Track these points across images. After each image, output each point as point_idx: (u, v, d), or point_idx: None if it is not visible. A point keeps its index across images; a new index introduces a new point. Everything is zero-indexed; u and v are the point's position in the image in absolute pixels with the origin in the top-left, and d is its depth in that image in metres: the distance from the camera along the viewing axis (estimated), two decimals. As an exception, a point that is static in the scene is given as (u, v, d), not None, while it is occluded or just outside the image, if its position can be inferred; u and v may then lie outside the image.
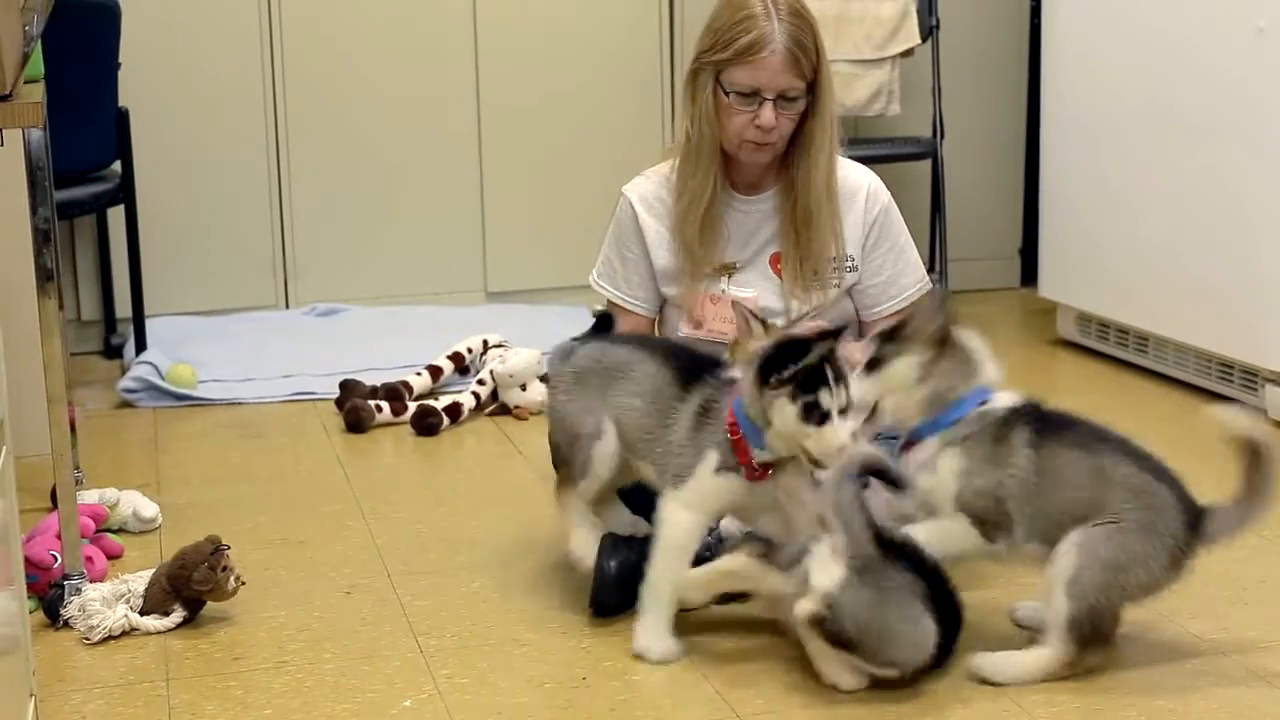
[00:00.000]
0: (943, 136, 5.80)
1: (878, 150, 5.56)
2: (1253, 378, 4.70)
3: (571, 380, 3.31)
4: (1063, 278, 5.58)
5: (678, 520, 3.09)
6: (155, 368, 5.04)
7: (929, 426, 3.08)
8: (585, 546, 3.30)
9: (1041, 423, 3.06)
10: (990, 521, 3.02)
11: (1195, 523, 2.97)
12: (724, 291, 3.61)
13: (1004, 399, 3.09)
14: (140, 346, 5.27)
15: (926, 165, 5.88)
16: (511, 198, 6.09)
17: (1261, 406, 4.62)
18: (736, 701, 2.95)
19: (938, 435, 3.06)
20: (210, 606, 3.34)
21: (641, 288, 3.68)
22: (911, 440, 3.11)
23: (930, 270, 5.72)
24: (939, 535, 3.03)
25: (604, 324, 3.50)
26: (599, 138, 6.08)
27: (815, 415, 2.92)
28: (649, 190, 3.66)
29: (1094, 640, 2.97)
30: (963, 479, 3.03)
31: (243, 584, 3.34)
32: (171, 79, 5.69)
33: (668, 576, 3.10)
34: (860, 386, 3.04)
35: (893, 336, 3.12)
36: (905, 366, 3.08)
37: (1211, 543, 2.99)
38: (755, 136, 3.48)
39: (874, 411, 3.10)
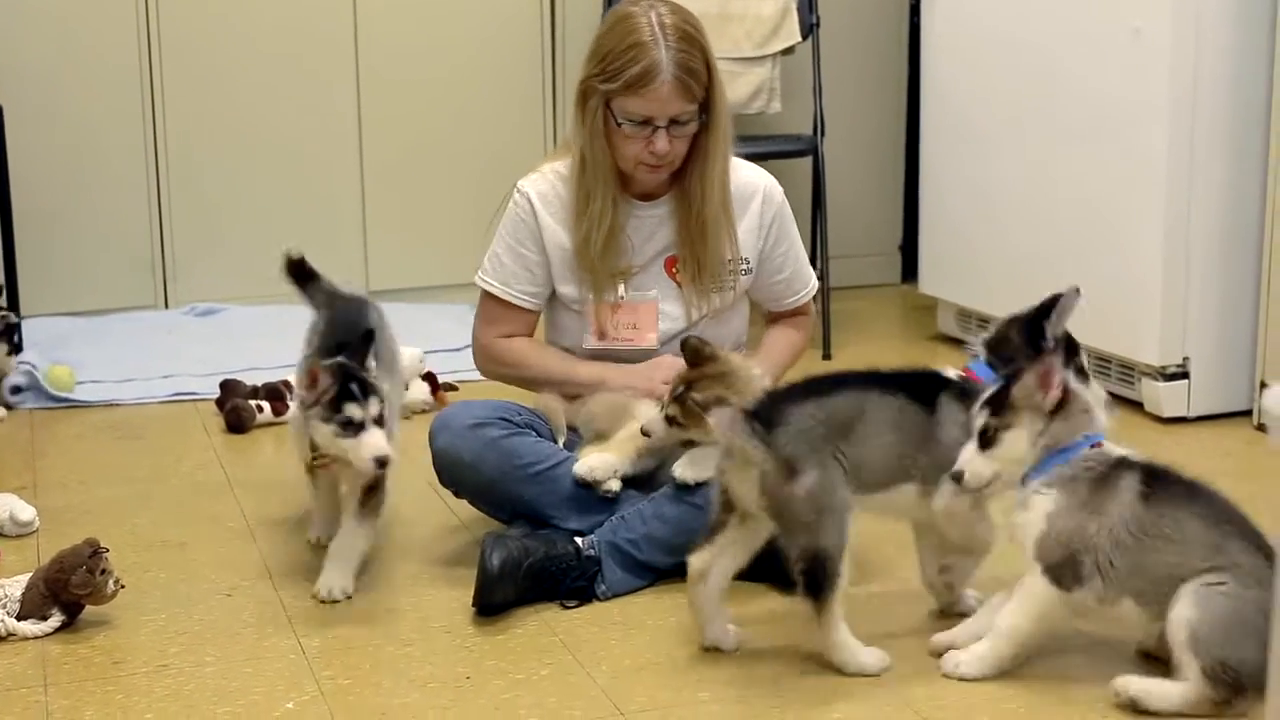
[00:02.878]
0: (823, 134, 5.82)
1: (759, 148, 5.55)
2: (1129, 371, 4.76)
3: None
4: (943, 273, 5.63)
5: None
6: (33, 369, 4.97)
7: (1037, 470, 2.98)
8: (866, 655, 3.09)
9: (1152, 475, 2.95)
10: (1065, 569, 2.91)
11: None
12: (623, 298, 3.61)
13: (1113, 448, 2.98)
14: (17, 348, 5.19)
15: (807, 162, 5.90)
16: (392, 196, 6.06)
17: (1139, 399, 4.69)
18: (620, 698, 2.95)
19: (1041, 476, 2.96)
20: (89, 610, 3.30)
21: (530, 284, 3.66)
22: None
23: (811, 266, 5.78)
24: (1024, 603, 2.95)
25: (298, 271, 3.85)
26: (479, 136, 6.07)
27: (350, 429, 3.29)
28: (546, 188, 3.63)
29: (1238, 689, 2.80)
30: (1050, 521, 2.92)
31: (122, 587, 3.30)
32: (47, 76, 5.62)
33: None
34: (978, 462, 2.98)
35: (1000, 407, 2.97)
36: (1017, 441, 2.96)
37: None
38: (650, 160, 3.49)
39: (991, 483, 3.01)
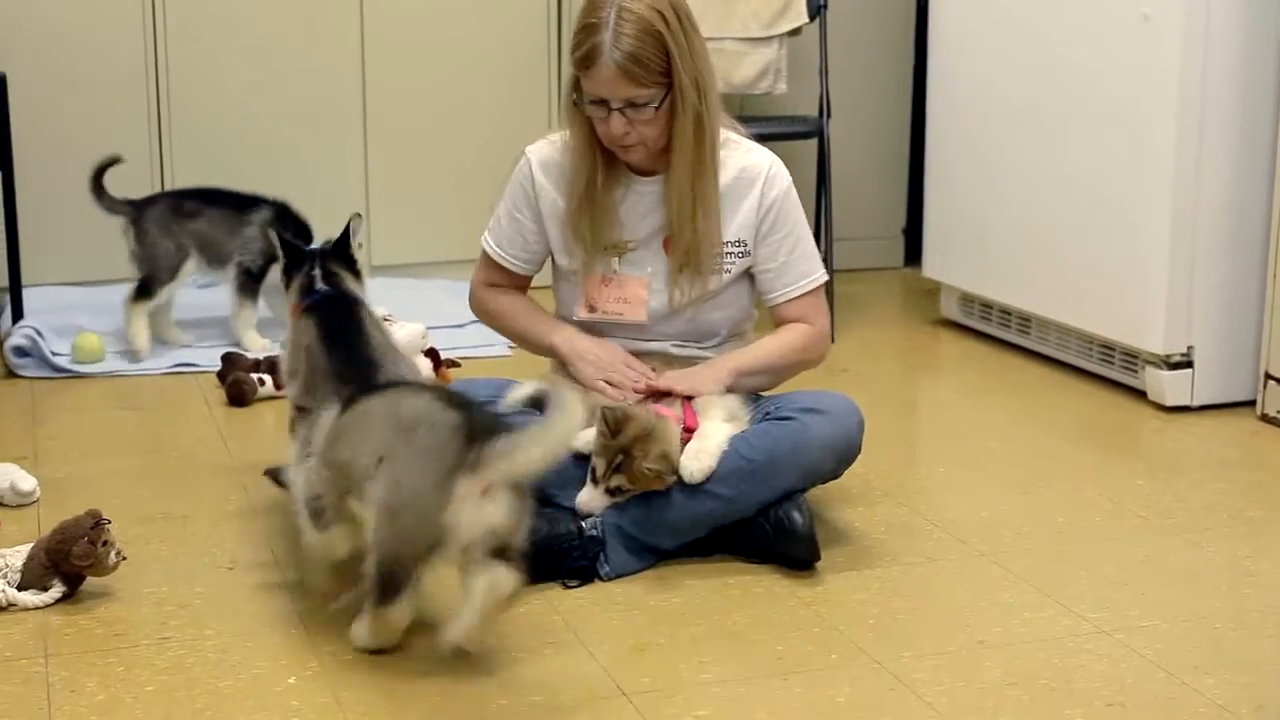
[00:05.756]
0: (829, 116, 5.81)
1: (764, 129, 5.48)
2: (1133, 359, 4.75)
3: None
4: (946, 258, 5.62)
5: None
6: (35, 333, 4.96)
7: None
8: None
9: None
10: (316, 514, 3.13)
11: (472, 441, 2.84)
12: (615, 272, 3.60)
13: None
14: (17, 315, 5.18)
15: (812, 144, 5.89)
16: (396, 171, 6.05)
17: (1141, 388, 4.68)
18: (623, 679, 2.94)
19: None
20: (90, 582, 3.29)
21: (523, 249, 3.68)
22: None
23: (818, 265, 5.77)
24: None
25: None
26: (484, 112, 6.06)
27: None
28: (549, 155, 3.63)
29: (388, 594, 2.93)
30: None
31: (123, 559, 3.30)
32: (50, 44, 5.60)
33: None
34: None
35: None
36: None
37: (483, 467, 2.82)
38: (613, 141, 3.48)
39: None
